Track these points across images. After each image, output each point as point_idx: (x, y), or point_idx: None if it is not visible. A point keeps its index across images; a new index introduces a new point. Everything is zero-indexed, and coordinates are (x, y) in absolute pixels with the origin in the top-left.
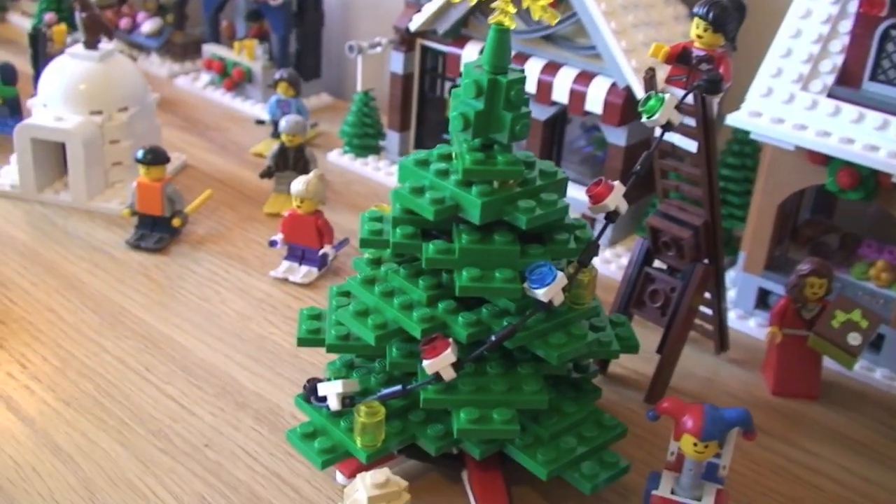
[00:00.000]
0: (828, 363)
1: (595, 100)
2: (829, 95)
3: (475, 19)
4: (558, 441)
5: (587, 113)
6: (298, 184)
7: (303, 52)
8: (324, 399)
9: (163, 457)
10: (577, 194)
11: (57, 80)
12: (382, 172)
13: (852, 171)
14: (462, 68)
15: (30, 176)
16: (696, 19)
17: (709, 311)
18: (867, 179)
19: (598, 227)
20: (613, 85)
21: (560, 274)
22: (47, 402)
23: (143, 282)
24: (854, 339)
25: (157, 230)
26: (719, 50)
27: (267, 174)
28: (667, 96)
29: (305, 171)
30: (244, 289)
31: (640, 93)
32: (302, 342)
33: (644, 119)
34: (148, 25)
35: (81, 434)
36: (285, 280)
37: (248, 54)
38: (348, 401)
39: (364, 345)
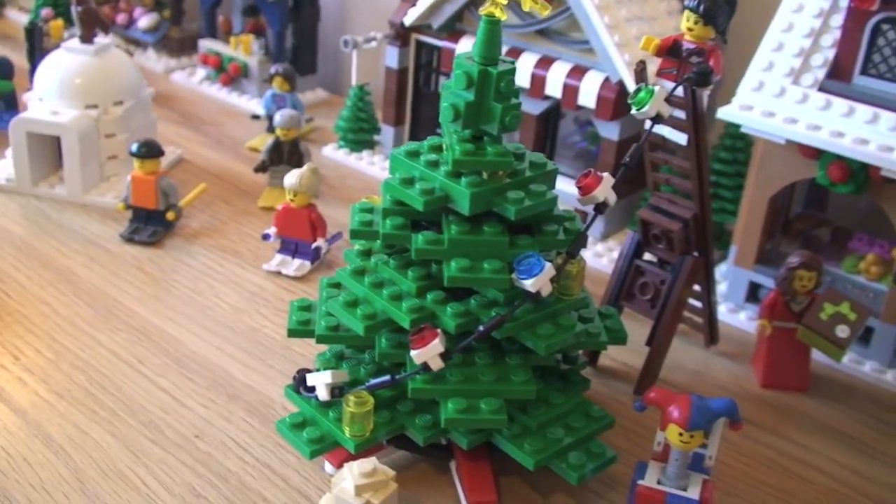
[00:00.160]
0: (817, 356)
1: (588, 94)
2: (820, 89)
3: (470, 14)
4: (546, 431)
5: (580, 107)
6: (292, 177)
7: (299, 48)
8: (313, 389)
9: (154, 448)
10: (570, 188)
11: (52, 74)
12: (377, 167)
13: (843, 164)
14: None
15: (25, 170)
16: (686, 12)
17: (698, 304)
18: (857, 173)
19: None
20: (606, 79)
21: (548, 265)
22: (40, 394)
23: (137, 275)
24: (842, 331)
25: (151, 223)
26: (710, 43)
27: (261, 168)
28: (656, 89)
29: (300, 165)
30: (237, 282)
31: (632, 87)
32: (292, 333)
33: (633, 111)
34: (145, 21)
35: (73, 425)
36: (278, 273)
37: (244, 49)
38: (337, 391)
39: (353, 335)
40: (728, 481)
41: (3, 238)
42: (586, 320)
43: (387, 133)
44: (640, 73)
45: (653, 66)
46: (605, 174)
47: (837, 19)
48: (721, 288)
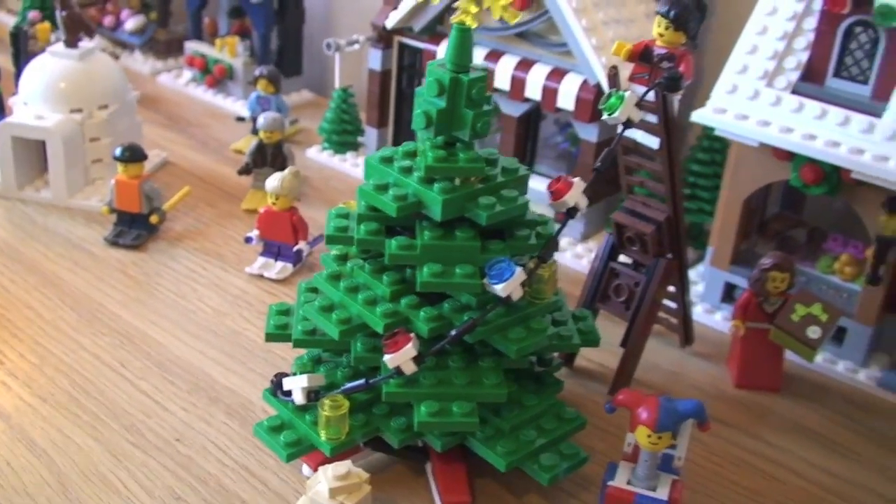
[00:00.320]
0: (791, 355)
1: (567, 96)
2: (794, 92)
3: (450, 17)
4: (518, 433)
5: (559, 109)
6: (273, 181)
7: (284, 49)
8: (290, 393)
9: (135, 451)
10: None
11: (37, 79)
12: (360, 168)
13: (815, 166)
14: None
15: (10, 174)
16: (657, 17)
17: (673, 305)
18: (830, 175)
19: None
20: (585, 82)
21: (518, 269)
22: (23, 398)
23: (121, 279)
24: (814, 332)
25: (135, 227)
26: (681, 48)
27: (245, 171)
28: (627, 94)
29: (283, 167)
30: (220, 285)
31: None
32: (270, 337)
33: (605, 116)
34: (132, 23)
35: (56, 429)
36: (261, 276)
37: (229, 51)
38: (313, 395)
39: (330, 339)
40: (700, 481)
41: None
42: (559, 323)
43: (370, 134)
44: (613, 77)
45: (626, 70)
46: (576, 179)
47: (811, 22)
48: (698, 288)
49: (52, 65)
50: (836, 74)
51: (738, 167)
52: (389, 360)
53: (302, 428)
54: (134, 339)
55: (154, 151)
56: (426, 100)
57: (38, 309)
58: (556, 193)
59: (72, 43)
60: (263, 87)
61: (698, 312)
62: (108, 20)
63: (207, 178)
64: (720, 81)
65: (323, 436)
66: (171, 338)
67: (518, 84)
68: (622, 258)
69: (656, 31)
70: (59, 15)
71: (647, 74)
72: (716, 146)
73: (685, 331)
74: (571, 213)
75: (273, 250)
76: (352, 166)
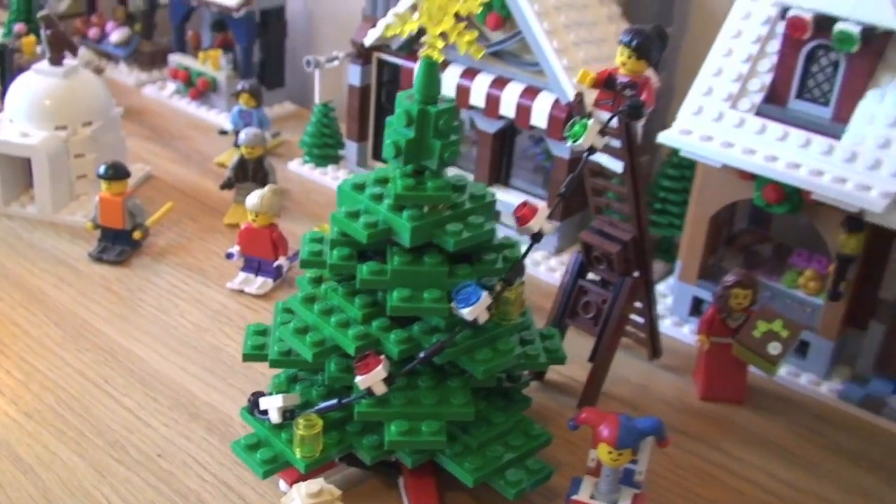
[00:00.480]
0: (756, 368)
1: (540, 114)
2: (758, 113)
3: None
4: (486, 450)
5: (533, 127)
6: (253, 198)
7: (266, 62)
8: (266, 412)
9: (118, 467)
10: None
11: (22, 96)
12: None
13: (777, 187)
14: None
15: None
16: (620, 46)
17: (641, 320)
18: (792, 195)
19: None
20: (557, 100)
21: (484, 294)
22: (9, 415)
23: (105, 294)
24: (774, 348)
25: (118, 243)
26: (643, 75)
27: (227, 185)
28: (590, 122)
29: (264, 182)
30: (202, 300)
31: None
32: (247, 357)
33: (569, 143)
34: (116, 35)
35: (42, 445)
36: (241, 291)
37: (212, 64)
38: (288, 414)
39: (304, 360)
40: (663, 493)
41: None
42: (527, 342)
43: (351, 148)
44: (578, 104)
45: (592, 96)
46: (541, 206)
47: (774, 45)
48: (668, 301)
49: (36, 82)
50: (799, 96)
51: (703, 186)
52: (360, 381)
53: (278, 446)
54: (117, 356)
55: (138, 165)
56: (396, 130)
57: (23, 325)
58: (521, 219)
59: (56, 61)
60: (245, 101)
61: (667, 325)
62: (93, 32)
63: (190, 192)
64: (686, 103)
65: (298, 453)
66: (153, 353)
67: (493, 101)
68: (591, 276)
69: (619, 59)
70: (44, 34)
71: (611, 101)
72: (685, 163)
73: (653, 344)
74: (536, 238)
75: (253, 266)
76: (332, 179)
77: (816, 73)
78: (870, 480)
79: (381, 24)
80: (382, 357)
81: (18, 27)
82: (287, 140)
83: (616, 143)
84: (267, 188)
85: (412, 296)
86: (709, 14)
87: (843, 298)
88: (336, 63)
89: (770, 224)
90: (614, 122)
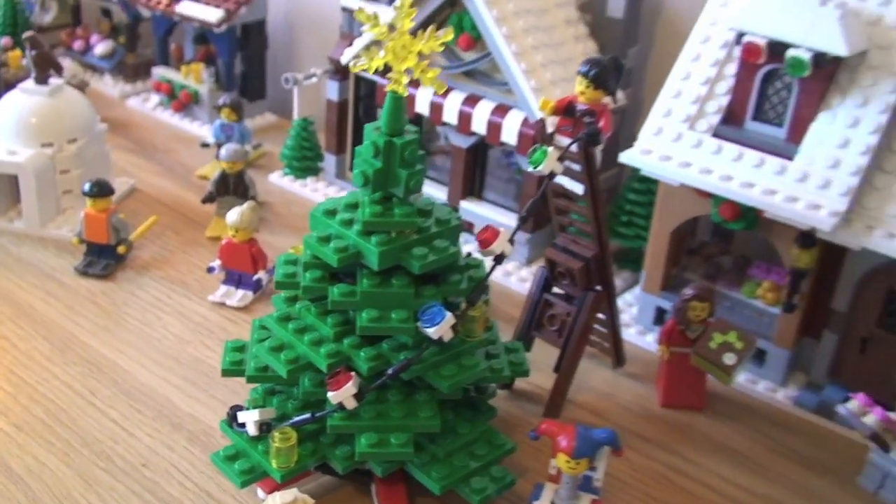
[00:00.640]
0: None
1: (510, 131)
2: (715, 134)
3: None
4: (452, 459)
5: (503, 143)
6: (233, 215)
7: (248, 75)
8: (244, 425)
9: (104, 476)
10: (502, 218)
11: (9, 115)
12: (320, 193)
13: (733, 204)
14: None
15: None
16: (578, 77)
17: (605, 330)
18: (747, 212)
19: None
20: (526, 118)
21: (448, 315)
22: (0, 427)
23: (91, 308)
24: (729, 358)
25: (103, 257)
26: (602, 103)
27: (209, 199)
28: (550, 150)
29: (245, 195)
30: (184, 313)
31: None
32: (225, 373)
33: (530, 169)
34: (101, 47)
35: (32, 456)
36: (222, 304)
37: (194, 77)
38: (265, 427)
39: (279, 376)
40: (619, 495)
41: None
42: (492, 356)
43: (329, 161)
44: (540, 130)
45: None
46: (502, 229)
47: (732, 68)
48: (633, 310)
49: (23, 101)
50: (755, 118)
51: (665, 202)
52: (332, 396)
53: (255, 457)
54: (103, 368)
55: (122, 179)
56: (364, 160)
57: (12, 339)
58: (483, 242)
59: (42, 80)
60: (227, 115)
61: (631, 334)
62: (77, 44)
63: (173, 205)
64: (647, 124)
65: (274, 464)
66: (137, 366)
67: (465, 118)
68: (556, 290)
69: (578, 88)
70: (30, 54)
71: (571, 127)
72: (650, 177)
73: (616, 353)
74: (499, 259)
75: (234, 279)
76: (312, 191)
77: (771, 95)
78: (821, 484)
79: (357, 43)
80: (353, 374)
81: (4, 41)
82: (268, 151)
83: (577, 167)
84: (246, 205)
85: (381, 316)
86: (674, 33)
87: (797, 310)
88: (314, 80)
89: (732, 237)
90: (574, 148)
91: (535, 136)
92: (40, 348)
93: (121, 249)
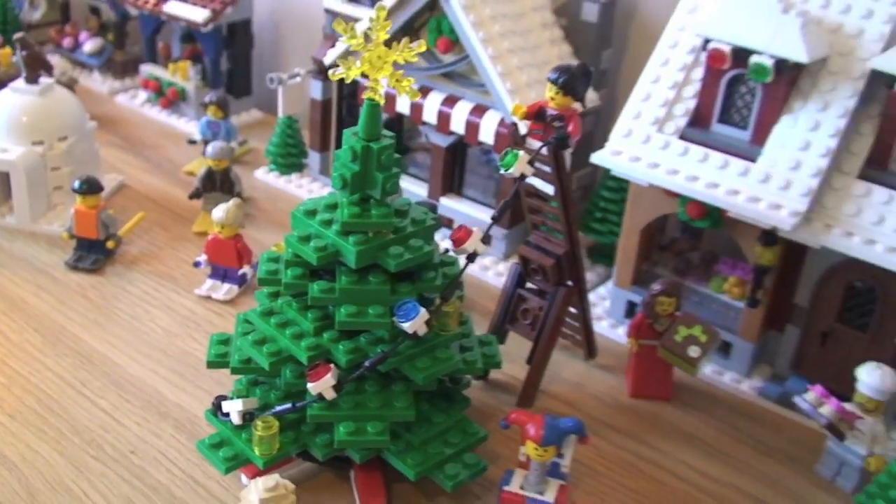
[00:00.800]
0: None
1: (487, 131)
2: (682, 137)
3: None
4: (427, 447)
5: (481, 142)
6: (219, 212)
7: (234, 72)
8: (228, 415)
9: (95, 463)
10: (481, 215)
11: (0, 114)
12: (305, 189)
13: (699, 204)
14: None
15: None
16: (548, 83)
17: (577, 324)
18: (713, 211)
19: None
20: (503, 119)
21: (422, 310)
22: None
23: (81, 302)
24: (694, 351)
25: (93, 252)
26: (571, 108)
27: (195, 195)
28: (520, 153)
29: (231, 191)
30: (171, 306)
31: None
32: (211, 365)
33: (502, 171)
34: (90, 45)
35: (25, 444)
36: (209, 298)
37: (181, 75)
38: (248, 416)
39: (262, 368)
40: (588, 482)
41: None
42: (466, 349)
43: (314, 157)
44: (513, 133)
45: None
46: (475, 229)
47: (699, 73)
48: (606, 304)
49: (14, 100)
50: (721, 121)
51: (635, 201)
52: (312, 387)
53: (239, 445)
54: (93, 360)
55: (111, 175)
56: (343, 164)
57: (6, 332)
58: (457, 241)
59: (32, 80)
60: (213, 112)
61: (604, 327)
62: (67, 41)
63: (161, 201)
64: (617, 126)
65: (257, 451)
66: (126, 358)
67: (444, 118)
68: (529, 285)
69: (548, 94)
70: (20, 54)
71: (541, 131)
72: None
73: (588, 345)
74: (471, 258)
75: (220, 273)
76: (296, 187)
77: (736, 99)
78: (781, 471)
79: (334, 51)
80: (332, 366)
81: None
82: (254, 148)
83: (548, 169)
84: (231, 202)
85: (358, 311)
86: (646, 37)
87: (760, 305)
88: (298, 80)
89: (702, 234)
90: (544, 151)
91: (508, 138)
92: (32, 340)
93: (110, 244)
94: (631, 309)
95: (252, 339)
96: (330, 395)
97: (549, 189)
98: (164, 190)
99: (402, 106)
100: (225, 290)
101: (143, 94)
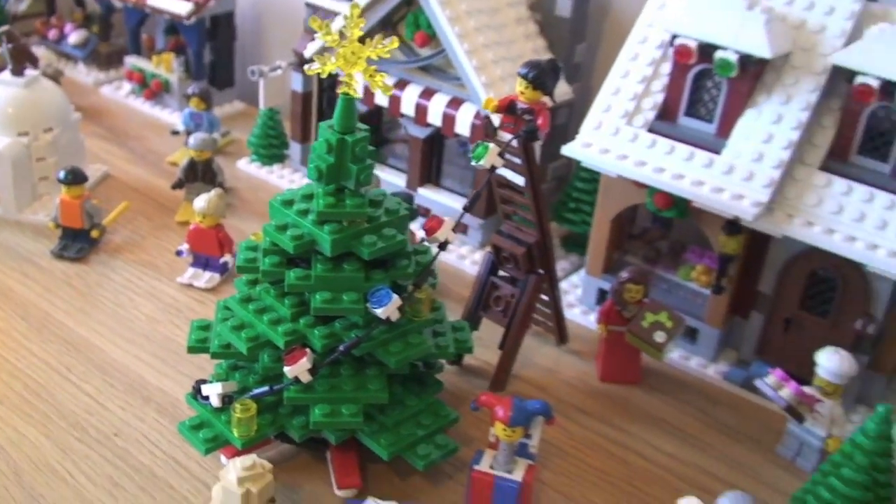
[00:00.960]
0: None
1: (464, 123)
2: (650, 129)
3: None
4: (400, 428)
5: (457, 134)
6: (200, 202)
7: (216, 64)
8: (208, 398)
9: (80, 445)
10: (458, 205)
11: None
12: (286, 180)
13: (665, 194)
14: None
15: None
16: (519, 78)
17: (548, 310)
18: (679, 202)
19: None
20: (479, 111)
21: (395, 297)
22: None
23: (66, 289)
24: (660, 336)
25: (78, 241)
26: (540, 102)
27: (178, 185)
28: (491, 145)
29: (213, 182)
30: (154, 294)
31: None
32: (191, 350)
33: (473, 163)
34: (75, 36)
35: (12, 428)
36: (191, 285)
37: (165, 67)
38: (227, 399)
39: (241, 353)
40: (556, 462)
41: None
42: (439, 334)
43: (295, 148)
44: (487, 126)
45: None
46: (446, 219)
47: (667, 67)
48: (579, 292)
49: (0, 92)
50: (687, 114)
51: (606, 192)
52: (288, 371)
53: (218, 426)
54: (78, 346)
55: (96, 165)
56: (318, 156)
57: None
58: (428, 231)
59: (18, 72)
60: (196, 104)
61: (576, 314)
62: (52, 33)
63: (144, 191)
64: (587, 119)
65: (235, 433)
66: (110, 344)
67: (422, 110)
68: (501, 273)
69: (518, 89)
70: (6, 47)
71: (512, 124)
72: None
73: (559, 332)
74: (443, 246)
75: (202, 262)
76: (278, 178)
77: (703, 93)
78: (744, 452)
79: (311, 47)
80: (308, 350)
81: None
82: (237, 139)
83: (519, 161)
84: (213, 192)
85: (333, 298)
86: (620, 32)
87: (725, 292)
88: (279, 72)
89: (672, 223)
90: (514, 143)
91: (482, 130)
92: (18, 328)
93: (94, 234)
94: (602, 296)
95: (231, 325)
96: (306, 378)
97: (519, 180)
98: (147, 180)
99: (381, 99)
100: (207, 278)
101: (127, 86)
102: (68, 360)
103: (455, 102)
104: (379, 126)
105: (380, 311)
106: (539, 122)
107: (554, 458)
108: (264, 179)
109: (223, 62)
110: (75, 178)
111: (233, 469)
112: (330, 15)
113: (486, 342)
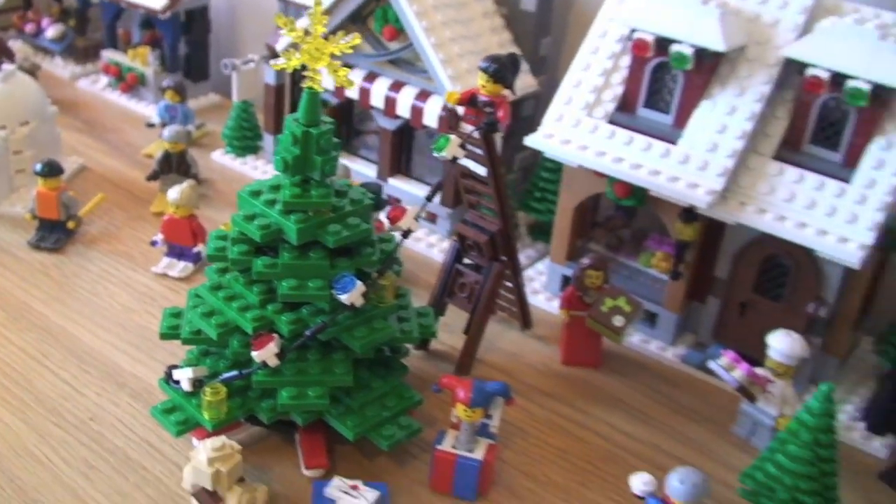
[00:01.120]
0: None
1: (431, 115)
2: (610, 121)
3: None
4: (365, 410)
5: (426, 126)
6: (174, 193)
7: (191, 57)
8: (179, 382)
9: (56, 430)
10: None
11: None
12: (259, 171)
13: (624, 184)
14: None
15: None
16: (480, 72)
17: (512, 296)
18: (637, 190)
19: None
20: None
21: (359, 283)
22: None
23: (43, 279)
24: (618, 320)
25: (55, 232)
26: (501, 94)
27: (153, 177)
28: (452, 137)
29: (187, 173)
30: (129, 283)
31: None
32: (163, 336)
33: (435, 154)
34: (52, 30)
35: None
36: (165, 275)
37: (141, 61)
38: (198, 383)
39: (211, 339)
40: (516, 441)
41: None
42: (404, 320)
43: (268, 140)
44: (452, 118)
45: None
46: (410, 208)
47: (626, 61)
48: (544, 279)
49: None
50: (646, 105)
51: (568, 181)
52: (256, 356)
53: (189, 410)
54: (55, 334)
55: (72, 158)
56: (284, 148)
57: None
58: (392, 219)
59: None
60: (171, 96)
61: (540, 300)
62: (29, 27)
63: (120, 183)
64: (549, 110)
65: (206, 416)
66: (86, 332)
67: (391, 103)
68: (466, 260)
69: (480, 82)
70: None
71: (474, 117)
72: None
73: (524, 317)
74: (406, 234)
75: (176, 252)
76: (251, 169)
77: (661, 86)
78: (700, 432)
79: (279, 42)
80: (275, 335)
81: None
82: (211, 131)
83: (480, 152)
84: (186, 184)
85: (299, 285)
86: (584, 25)
87: (682, 278)
88: (252, 66)
89: (635, 211)
90: (476, 135)
91: (445, 121)
92: None
93: (71, 225)
94: (566, 283)
95: (201, 312)
96: (273, 362)
97: (482, 171)
98: (123, 172)
99: (352, 91)
100: (180, 267)
101: (103, 79)
102: (45, 348)
103: (423, 95)
104: (350, 118)
105: (344, 298)
106: (499, 114)
107: (515, 438)
108: (238, 171)
109: (198, 55)
110: (52, 170)
111: (203, 450)
112: (301, 10)
113: (451, 328)
